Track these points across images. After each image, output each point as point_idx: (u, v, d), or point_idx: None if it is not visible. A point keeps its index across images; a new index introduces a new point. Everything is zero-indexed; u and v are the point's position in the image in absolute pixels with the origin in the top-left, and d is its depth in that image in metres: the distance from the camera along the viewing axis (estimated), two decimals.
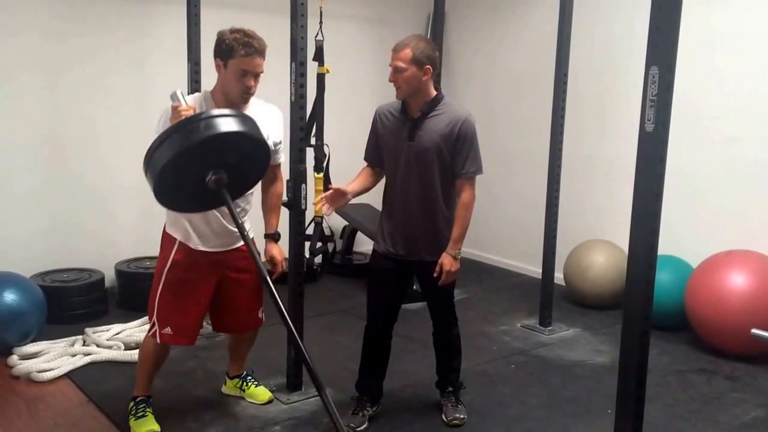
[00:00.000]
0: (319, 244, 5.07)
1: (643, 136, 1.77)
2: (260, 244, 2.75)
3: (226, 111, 2.23)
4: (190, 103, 2.39)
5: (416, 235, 2.75)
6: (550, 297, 4.17)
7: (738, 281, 3.59)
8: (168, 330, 2.66)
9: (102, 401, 3.04)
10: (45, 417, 2.91)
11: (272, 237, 2.85)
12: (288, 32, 2.94)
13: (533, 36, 5.20)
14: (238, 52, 2.43)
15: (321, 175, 4.90)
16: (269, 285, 2.11)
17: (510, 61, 5.46)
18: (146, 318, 3.70)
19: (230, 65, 2.47)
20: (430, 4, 5.08)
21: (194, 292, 2.69)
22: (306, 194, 3.03)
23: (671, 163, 1.84)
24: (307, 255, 4.24)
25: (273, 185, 2.82)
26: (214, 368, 3.41)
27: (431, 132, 2.66)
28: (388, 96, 2.82)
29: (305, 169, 3.03)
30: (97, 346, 3.59)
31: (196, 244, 2.65)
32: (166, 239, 2.69)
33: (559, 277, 4.53)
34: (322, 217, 5.05)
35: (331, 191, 2.67)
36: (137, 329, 3.83)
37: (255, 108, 2.59)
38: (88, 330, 3.74)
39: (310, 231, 4.92)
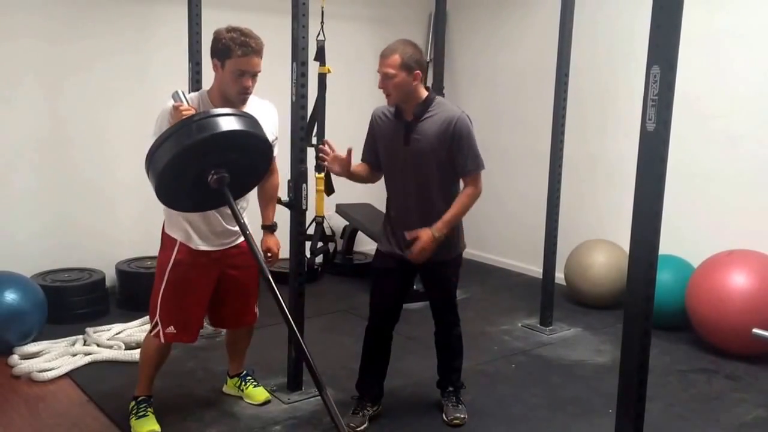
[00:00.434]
0: (319, 244, 5.08)
1: (645, 136, 1.77)
2: (257, 235, 2.76)
3: (227, 110, 2.23)
4: (191, 104, 2.39)
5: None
6: (551, 297, 4.16)
7: (739, 281, 3.59)
8: (171, 329, 2.67)
9: (102, 401, 3.04)
10: (45, 417, 2.92)
11: (269, 228, 2.86)
12: (289, 32, 2.94)
13: (534, 35, 5.20)
14: (235, 52, 2.41)
15: (322, 175, 4.90)
16: (271, 283, 2.10)
17: (511, 60, 5.46)
18: (147, 318, 3.70)
19: (227, 65, 2.45)
20: (432, 3, 5.08)
21: (196, 291, 2.69)
22: (307, 194, 3.03)
23: (672, 162, 1.83)
24: (307, 255, 4.23)
25: (269, 177, 2.80)
26: (214, 368, 3.41)
27: (426, 134, 2.64)
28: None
29: (306, 169, 3.03)
30: (98, 345, 3.59)
31: (197, 244, 2.65)
32: (167, 239, 2.69)
33: (560, 276, 4.53)
34: (323, 217, 5.05)
35: (335, 154, 2.71)
36: (138, 329, 3.83)
37: (252, 105, 2.58)
38: (89, 330, 3.74)
39: (311, 231, 4.92)
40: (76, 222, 4.46)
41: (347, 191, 5.17)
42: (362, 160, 2.87)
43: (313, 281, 4.90)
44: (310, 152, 4.22)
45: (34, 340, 3.60)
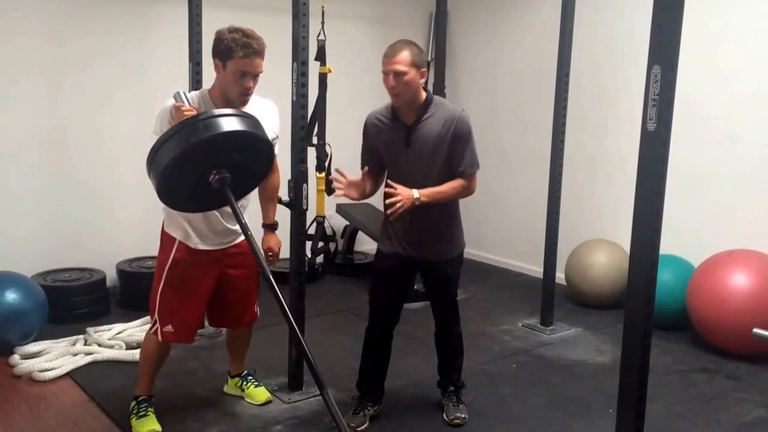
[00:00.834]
0: (320, 244, 5.08)
1: (645, 136, 1.76)
2: (257, 234, 2.76)
3: (229, 110, 2.23)
4: (192, 104, 2.39)
5: (420, 235, 2.74)
6: (551, 296, 4.16)
7: (739, 281, 3.59)
8: (169, 328, 2.66)
9: (103, 401, 3.05)
10: (46, 416, 2.92)
11: (270, 227, 2.86)
12: (290, 32, 2.94)
13: (535, 35, 5.20)
14: (237, 53, 2.41)
15: (323, 174, 4.91)
16: (272, 282, 2.10)
17: (512, 60, 5.46)
18: (147, 318, 3.70)
19: (229, 66, 2.44)
20: (432, 3, 5.09)
21: (195, 290, 2.69)
22: (307, 194, 3.03)
23: (673, 162, 1.83)
24: (308, 255, 4.23)
25: (270, 176, 2.78)
26: (215, 368, 3.41)
27: (427, 135, 2.63)
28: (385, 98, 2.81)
29: (307, 169, 3.03)
30: (99, 345, 3.59)
31: (196, 243, 2.65)
32: (166, 238, 2.69)
33: (560, 276, 4.53)
34: (323, 217, 5.06)
35: (349, 179, 2.66)
36: (138, 329, 3.83)
37: (252, 105, 2.57)
38: (90, 329, 3.75)
39: (311, 231, 4.93)
40: (76, 222, 4.47)
41: None
42: (362, 166, 2.81)
43: (314, 281, 4.90)
44: (311, 152, 4.24)
45: (34, 340, 3.60)
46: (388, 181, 2.66)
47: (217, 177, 2.20)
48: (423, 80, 2.62)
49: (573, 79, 3.95)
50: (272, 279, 2.11)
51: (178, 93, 2.38)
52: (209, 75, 2.75)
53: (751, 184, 4.02)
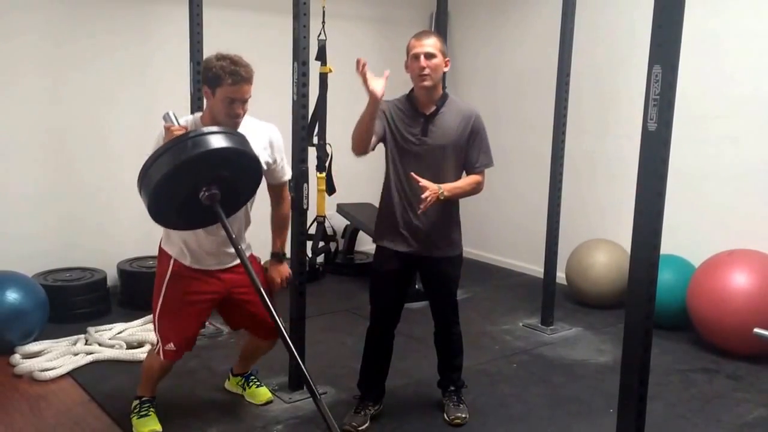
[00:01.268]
0: (321, 244, 5.08)
1: (646, 136, 1.76)
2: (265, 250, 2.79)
3: (216, 128, 2.30)
4: (182, 124, 2.42)
5: (426, 230, 2.73)
6: (552, 296, 4.16)
7: (740, 281, 3.59)
8: (171, 346, 2.67)
9: (104, 400, 3.05)
10: (47, 416, 2.92)
11: (275, 256, 2.86)
12: (290, 32, 2.94)
13: (536, 35, 5.20)
14: (225, 80, 2.42)
15: (323, 174, 4.91)
16: (263, 297, 2.20)
17: (513, 60, 5.46)
18: (148, 317, 3.71)
19: (218, 93, 2.46)
20: (433, 3, 5.07)
21: (193, 307, 2.68)
22: (308, 194, 3.03)
23: (674, 162, 1.83)
24: (309, 254, 4.24)
25: (279, 206, 2.82)
26: (216, 367, 3.41)
27: (445, 128, 2.68)
28: (389, 95, 2.81)
29: (307, 169, 3.03)
30: (100, 345, 3.59)
31: (191, 263, 2.65)
32: (163, 255, 2.70)
33: (561, 276, 4.53)
34: (324, 217, 5.06)
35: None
36: (139, 328, 3.83)
37: (247, 128, 2.56)
38: (91, 329, 3.75)
39: (312, 231, 4.93)
40: (77, 221, 4.47)
41: (348, 191, 5.18)
42: None
43: (315, 281, 4.90)
44: (311, 152, 4.24)
45: (35, 340, 3.60)
46: (413, 174, 2.63)
47: (206, 194, 2.26)
48: (446, 69, 2.69)
49: (573, 79, 3.95)
50: (264, 293, 2.22)
51: (167, 114, 2.40)
52: None
53: (753, 184, 4.01)
